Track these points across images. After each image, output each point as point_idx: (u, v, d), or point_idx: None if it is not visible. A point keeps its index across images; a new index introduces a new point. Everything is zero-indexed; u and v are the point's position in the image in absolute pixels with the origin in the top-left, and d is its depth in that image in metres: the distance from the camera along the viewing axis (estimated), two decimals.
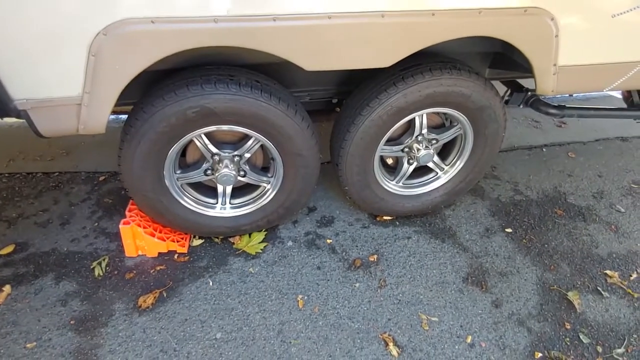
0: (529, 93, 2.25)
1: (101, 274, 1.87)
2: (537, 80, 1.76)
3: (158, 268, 1.91)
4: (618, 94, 3.67)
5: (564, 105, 2.26)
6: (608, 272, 1.99)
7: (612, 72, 1.81)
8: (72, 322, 1.67)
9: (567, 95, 3.52)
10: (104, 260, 1.94)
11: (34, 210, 2.25)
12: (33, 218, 2.19)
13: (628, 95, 2.58)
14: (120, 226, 1.86)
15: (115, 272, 1.89)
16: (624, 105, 2.68)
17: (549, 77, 1.75)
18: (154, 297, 1.77)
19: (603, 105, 2.49)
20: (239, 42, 1.38)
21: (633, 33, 1.70)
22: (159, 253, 1.97)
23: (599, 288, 1.91)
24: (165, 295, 1.80)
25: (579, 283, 1.94)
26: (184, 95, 1.53)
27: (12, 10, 1.19)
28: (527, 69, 1.75)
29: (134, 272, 1.89)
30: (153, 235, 1.93)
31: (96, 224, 2.17)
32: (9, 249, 1.98)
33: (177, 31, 1.31)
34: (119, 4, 1.24)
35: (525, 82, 2.33)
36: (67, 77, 1.33)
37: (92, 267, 1.91)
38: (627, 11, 1.54)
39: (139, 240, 1.92)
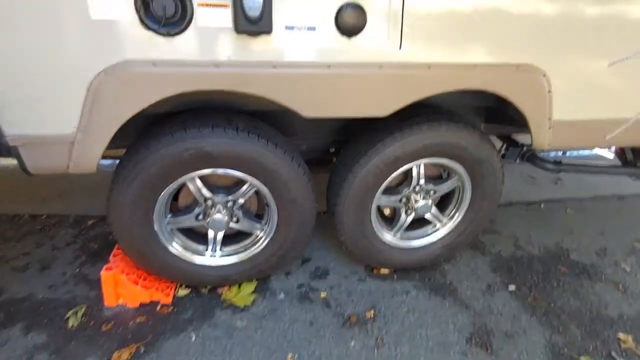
0: (525, 148, 2.27)
1: (75, 325, 1.73)
2: (533, 134, 1.77)
3: (138, 320, 1.78)
4: (610, 154, 3.75)
5: (560, 161, 2.28)
6: (621, 335, 1.86)
7: (604, 128, 1.84)
8: None
9: (562, 153, 3.59)
10: (80, 309, 1.80)
11: (14, 254, 2.14)
12: (12, 262, 2.08)
13: (621, 153, 2.61)
14: (102, 272, 1.76)
15: (92, 323, 1.75)
16: (618, 163, 2.71)
17: (544, 131, 1.76)
18: (130, 352, 1.62)
19: (598, 163, 2.51)
20: (238, 87, 1.40)
21: (621, 91, 1.75)
22: (141, 303, 1.84)
23: (613, 353, 1.77)
24: (143, 350, 1.64)
25: (591, 347, 1.80)
26: (181, 137, 1.52)
27: (13, 45, 1.21)
28: (521, 123, 1.78)
29: (112, 323, 1.75)
30: (136, 283, 1.81)
31: (78, 269, 2.05)
32: None
33: (178, 74, 1.33)
34: (122, 45, 1.26)
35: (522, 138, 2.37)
36: (62, 114, 1.32)
37: (66, 316, 1.77)
38: (620, 61, 1.59)
39: (121, 288, 1.80)
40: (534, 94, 1.66)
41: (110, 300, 1.81)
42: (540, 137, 1.78)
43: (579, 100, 1.71)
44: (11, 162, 2.81)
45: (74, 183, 2.86)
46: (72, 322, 1.74)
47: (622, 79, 1.71)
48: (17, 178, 2.85)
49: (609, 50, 1.63)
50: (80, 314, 1.78)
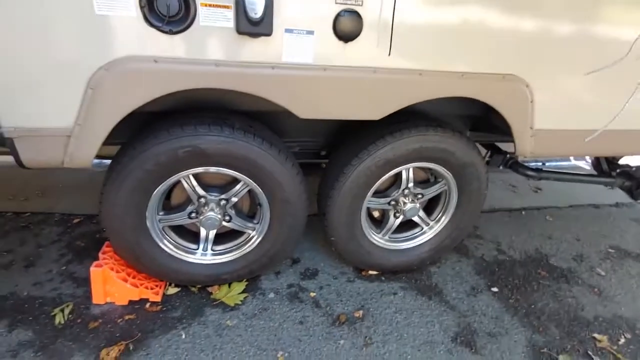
0: (508, 155, 2.37)
1: (62, 322, 1.70)
2: (516, 142, 1.86)
3: (127, 317, 1.76)
4: (587, 165, 3.92)
5: (541, 169, 2.38)
6: (597, 335, 1.95)
7: (583, 138, 1.94)
8: None
9: (541, 163, 3.73)
10: (67, 306, 1.78)
11: None
12: None
13: (597, 163, 2.75)
14: (92, 268, 1.74)
15: (79, 321, 1.72)
16: (594, 172, 2.85)
17: (526, 139, 1.86)
18: (119, 350, 1.61)
19: (576, 171, 2.63)
20: (237, 86, 1.43)
21: (597, 103, 1.86)
22: (130, 301, 1.83)
23: (589, 352, 1.85)
24: (131, 347, 1.63)
25: (569, 346, 1.88)
26: (177, 135, 1.53)
27: (14, 37, 1.21)
28: (505, 132, 1.86)
29: (100, 320, 1.73)
30: (126, 281, 1.80)
31: (64, 267, 2.02)
32: None
33: (178, 71, 1.36)
34: (123, 41, 1.28)
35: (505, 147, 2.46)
36: (61, 108, 1.33)
37: (53, 314, 1.74)
38: (597, 70, 1.69)
39: (110, 285, 1.79)
40: (517, 103, 1.75)
41: (98, 297, 1.79)
42: (523, 144, 1.87)
43: (559, 111, 1.81)
44: None
45: (57, 181, 2.81)
46: (59, 320, 1.71)
47: (599, 92, 1.82)
48: None
49: (588, 64, 1.73)
50: (67, 312, 1.75)
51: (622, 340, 1.94)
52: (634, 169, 2.56)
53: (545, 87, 1.75)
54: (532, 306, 2.10)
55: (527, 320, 2.00)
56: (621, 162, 2.67)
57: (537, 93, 1.75)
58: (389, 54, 1.50)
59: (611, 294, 2.26)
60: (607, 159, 2.64)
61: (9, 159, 1.42)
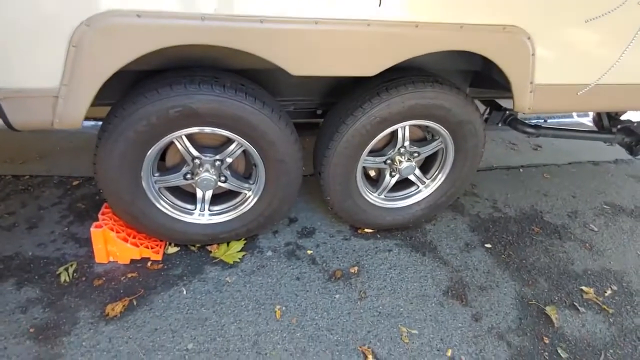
0: (507, 112, 2.33)
1: (67, 280, 1.77)
2: (515, 97, 1.82)
3: (129, 275, 1.82)
4: (588, 121, 3.86)
5: (540, 125, 2.35)
6: (584, 288, 2.02)
7: (581, 92, 1.89)
8: (31, 330, 1.55)
9: (542, 120, 3.68)
10: (71, 265, 1.84)
11: None
12: None
13: (598, 119, 2.70)
14: (92, 229, 1.78)
15: (83, 279, 1.79)
16: (595, 129, 2.81)
17: (526, 95, 1.81)
18: (123, 306, 1.68)
19: (575, 128, 2.60)
20: (224, 41, 1.38)
21: (599, 57, 1.80)
22: (132, 260, 1.88)
23: (575, 303, 1.93)
24: (135, 303, 1.70)
25: (556, 298, 1.95)
26: (167, 94, 1.50)
27: None
28: (505, 87, 1.82)
29: (103, 279, 1.80)
30: (126, 241, 1.84)
31: (66, 228, 2.06)
32: None
33: (163, 26, 1.30)
34: None
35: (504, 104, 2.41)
36: (44, 68, 1.29)
37: (58, 272, 1.80)
38: (599, 16, 1.61)
39: (111, 245, 1.83)
40: (518, 56, 1.68)
41: (100, 257, 1.85)
42: (522, 100, 1.82)
43: (560, 64, 1.75)
44: None
45: (54, 144, 2.80)
46: (64, 278, 1.77)
47: (601, 44, 1.75)
48: None
49: (592, 14, 1.65)
50: (71, 270, 1.81)
51: (609, 292, 2.01)
52: (635, 124, 2.52)
53: (547, 39, 1.68)
54: (524, 261, 2.15)
55: (517, 275, 2.06)
56: (623, 117, 2.63)
57: (538, 45, 1.68)
58: (380, 4, 1.42)
59: (602, 248, 2.31)
60: (608, 114, 2.59)
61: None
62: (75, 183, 2.44)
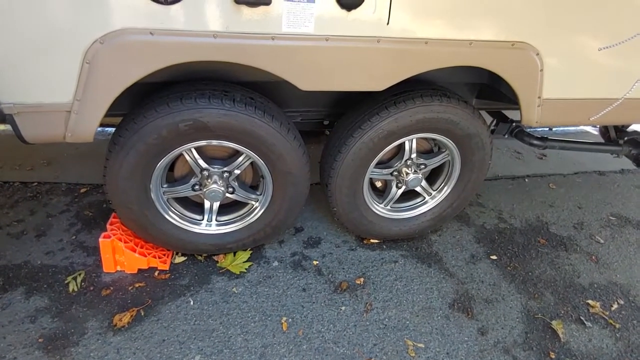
0: (514, 124, 2.33)
1: (76, 290, 1.78)
2: (523, 111, 1.82)
3: (137, 285, 1.84)
4: (595, 131, 3.85)
5: (547, 137, 2.35)
6: (590, 302, 2.01)
7: (591, 107, 1.90)
8: (40, 340, 1.57)
9: (548, 129, 3.67)
10: (79, 275, 1.85)
11: (7, 221, 2.15)
12: (6, 228, 2.09)
13: (605, 131, 2.70)
14: (100, 239, 1.79)
15: (91, 288, 1.80)
16: (602, 140, 2.80)
17: (533, 109, 1.81)
18: (131, 316, 1.69)
19: (582, 140, 2.59)
20: (236, 58, 1.39)
21: (610, 72, 1.80)
22: (139, 269, 1.90)
23: (582, 317, 1.92)
24: (143, 313, 1.71)
25: (563, 312, 1.95)
26: (177, 108, 1.52)
27: (7, 14, 1.17)
28: (512, 100, 1.82)
29: (111, 288, 1.81)
30: (134, 251, 1.86)
31: (74, 237, 2.08)
32: None
33: (175, 44, 1.32)
34: (118, 13, 1.24)
35: (511, 115, 2.42)
36: (58, 83, 1.31)
37: (66, 281, 1.82)
38: (611, 46, 1.62)
39: (119, 255, 1.85)
40: (526, 72, 1.69)
41: (109, 266, 1.86)
42: (530, 114, 1.83)
43: (568, 79, 1.75)
44: None
45: (62, 151, 2.82)
46: (72, 287, 1.79)
47: (611, 61, 1.75)
48: (3, 145, 2.80)
49: (601, 32, 1.66)
50: (79, 280, 1.83)
51: (615, 306, 2.01)
52: None
53: (556, 55, 1.68)
54: (530, 273, 2.15)
55: (523, 287, 2.06)
56: (630, 129, 2.62)
57: (547, 62, 1.68)
58: (389, 23, 1.43)
59: (608, 261, 2.30)
60: (615, 126, 2.59)
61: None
62: (82, 190, 2.46)
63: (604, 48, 1.62)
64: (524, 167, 3.22)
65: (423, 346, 1.71)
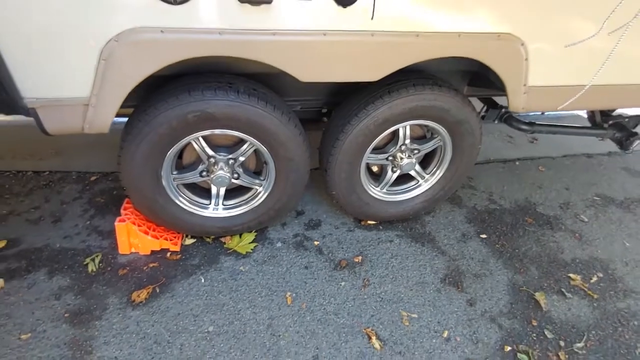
0: (503, 110, 2.45)
1: (94, 270, 1.92)
2: (510, 98, 1.94)
3: (151, 265, 1.98)
4: (584, 114, 3.96)
5: (534, 122, 2.47)
6: (571, 275, 2.17)
7: (568, 93, 2.01)
8: (66, 314, 1.71)
9: (540, 113, 3.78)
10: (97, 256, 1.99)
11: (25, 208, 2.27)
12: (24, 215, 2.22)
13: (592, 115, 2.82)
14: (116, 223, 1.92)
15: (109, 269, 1.94)
16: (589, 124, 2.92)
17: (519, 96, 1.93)
18: (147, 293, 1.84)
19: (570, 124, 2.71)
20: (240, 53, 1.49)
21: (586, 61, 1.91)
22: (152, 251, 2.03)
23: (562, 289, 2.08)
24: (158, 290, 1.86)
25: (546, 285, 2.10)
26: (186, 100, 1.62)
27: (29, 14, 1.27)
28: (500, 87, 1.93)
29: (127, 268, 1.95)
30: (147, 234, 1.99)
31: (88, 222, 2.21)
32: (1, 244, 2.01)
33: (184, 41, 1.42)
34: (131, 13, 1.34)
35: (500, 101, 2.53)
36: (77, 79, 1.41)
37: (85, 263, 1.95)
38: (579, 42, 1.73)
39: (133, 238, 1.98)
40: (512, 61, 1.80)
41: (123, 248, 2.00)
42: (516, 101, 1.94)
43: (552, 68, 1.86)
44: (6, 119, 2.85)
45: (70, 140, 2.91)
46: (91, 268, 1.93)
47: (591, 49, 1.86)
48: (14, 136, 2.90)
49: (582, 23, 1.76)
50: (97, 261, 1.96)
51: (594, 279, 2.17)
52: (627, 119, 2.63)
53: (540, 45, 1.79)
54: (516, 250, 2.30)
55: (510, 263, 2.21)
56: (615, 113, 2.74)
57: (531, 51, 1.79)
58: (372, 17, 1.53)
59: (591, 238, 2.46)
60: (601, 111, 2.70)
61: (22, 118, 1.53)
62: (93, 178, 2.57)
63: (569, 45, 1.73)
64: (515, 151, 3.35)
65: (416, 316, 1.87)
